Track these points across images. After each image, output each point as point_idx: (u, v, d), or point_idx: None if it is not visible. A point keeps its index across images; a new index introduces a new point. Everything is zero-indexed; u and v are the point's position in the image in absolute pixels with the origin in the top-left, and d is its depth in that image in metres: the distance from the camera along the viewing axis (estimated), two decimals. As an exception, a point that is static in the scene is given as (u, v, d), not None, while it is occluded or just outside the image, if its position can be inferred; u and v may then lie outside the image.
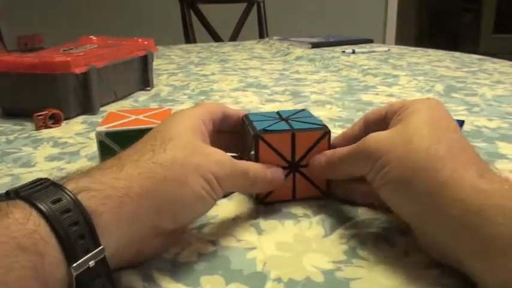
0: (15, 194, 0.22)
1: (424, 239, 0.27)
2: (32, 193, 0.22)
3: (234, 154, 0.36)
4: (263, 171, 0.32)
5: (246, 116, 0.37)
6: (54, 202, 0.21)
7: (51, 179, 0.24)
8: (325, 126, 0.34)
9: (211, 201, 0.28)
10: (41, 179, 0.23)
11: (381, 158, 0.27)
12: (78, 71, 0.61)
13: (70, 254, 0.21)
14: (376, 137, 0.29)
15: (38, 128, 0.57)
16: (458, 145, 0.27)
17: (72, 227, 0.21)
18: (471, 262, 0.23)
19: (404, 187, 0.26)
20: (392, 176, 0.27)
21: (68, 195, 0.22)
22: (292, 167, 0.34)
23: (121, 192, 0.24)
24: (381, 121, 0.32)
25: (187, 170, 0.26)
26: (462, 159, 0.25)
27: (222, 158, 0.29)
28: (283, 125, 0.34)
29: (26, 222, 0.20)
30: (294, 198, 0.35)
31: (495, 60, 1.03)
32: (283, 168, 0.34)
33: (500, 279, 0.21)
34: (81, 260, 0.21)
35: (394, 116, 0.31)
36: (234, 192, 0.37)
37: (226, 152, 0.32)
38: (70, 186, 0.23)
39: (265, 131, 0.33)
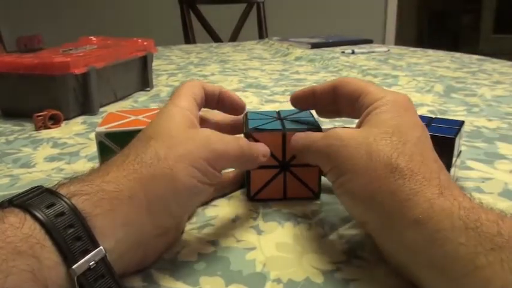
0: (9, 203, 0.22)
1: (384, 253, 0.27)
2: (25, 200, 0.22)
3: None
4: (255, 144, 0.31)
5: (246, 114, 0.37)
6: (48, 207, 0.21)
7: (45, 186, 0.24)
8: (317, 127, 0.34)
9: (206, 188, 0.27)
10: (35, 187, 0.23)
11: (342, 164, 0.27)
12: (77, 71, 0.60)
13: (67, 256, 0.21)
14: (342, 137, 0.28)
15: (37, 129, 0.57)
16: (419, 157, 0.25)
17: (68, 229, 0.21)
18: (433, 283, 0.22)
19: (362, 202, 0.26)
20: (351, 187, 0.26)
21: (62, 199, 0.22)
22: (283, 166, 0.34)
23: (112, 195, 0.23)
24: (351, 101, 0.31)
25: (173, 163, 0.25)
26: (422, 172, 0.25)
27: (209, 139, 0.27)
28: (276, 125, 0.34)
29: (21, 227, 0.20)
30: (285, 197, 0.35)
31: (495, 60, 1.03)
32: (274, 167, 0.34)
33: None
34: (81, 261, 0.21)
35: (364, 111, 0.29)
36: (232, 192, 0.37)
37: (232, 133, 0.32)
38: (63, 191, 0.23)
39: (256, 129, 0.33)
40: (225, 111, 0.36)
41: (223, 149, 0.28)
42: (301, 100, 0.35)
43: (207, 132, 0.28)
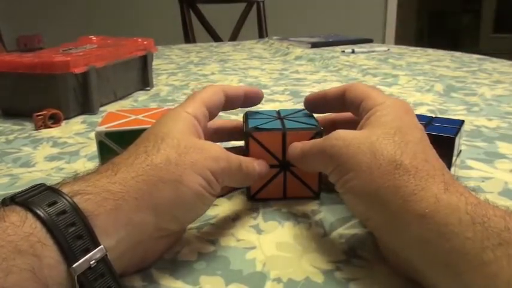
0: (10, 200, 0.22)
1: (387, 251, 0.27)
2: (27, 198, 0.22)
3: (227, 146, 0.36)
4: (251, 164, 0.32)
5: (246, 113, 0.37)
6: (49, 205, 0.21)
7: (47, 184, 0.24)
8: (317, 126, 0.34)
9: (211, 198, 0.28)
10: (37, 184, 0.23)
11: (345, 163, 0.27)
12: (77, 71, 0.60)
13: (68, 254, 0.21)
14: (344, 137, 0.28)
15: (37, 128, 0.56)
16: (422, 156, 0.26)
17: (69, 228, 0.21)
18: (438, 279, 0.22)
19: (366, 199, 0.26)
20: (355, 184, 0.26)
21: (64, 198, 0.22)
22: (283, 166, 0.34)
23: (117, 196, 0.23)
24: (356, 106, 0.32)
25: (183, 169, 0.26)
26: (426, 169, 0.25)
27: (217, 153, 0.28)
28: (276, 124, 0.34)
29: (22, 225, 0.20)
30: (285, 197, 0.35)
31: (494, 59, 1.03)
32: (274, 166, 0.34)
33: None
34: (81, 260, 0.21)
35: (365, 115, 0.30)
36: (232, 191, 0.37)
37: (231, 138, 0.35)
38: (65, 190, 0.23)
39: (256, 129, 0.33)
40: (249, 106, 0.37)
41: (226, 166, 0.29)
42: (313, 103, 0.37)
43: (215, 146, 0.29)
